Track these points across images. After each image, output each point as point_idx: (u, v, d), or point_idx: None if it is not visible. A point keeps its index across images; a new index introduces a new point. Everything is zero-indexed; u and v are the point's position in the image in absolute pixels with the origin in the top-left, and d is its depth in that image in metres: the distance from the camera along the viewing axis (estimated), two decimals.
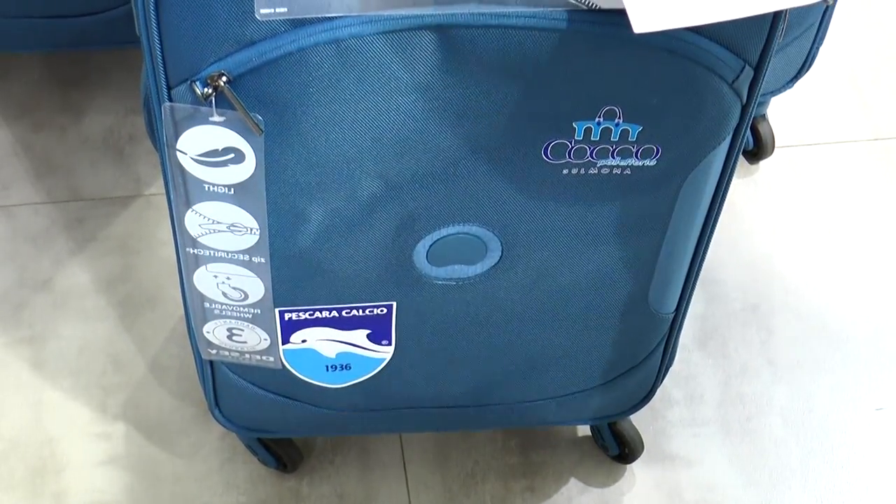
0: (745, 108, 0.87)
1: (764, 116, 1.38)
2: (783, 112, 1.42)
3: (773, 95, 1.33)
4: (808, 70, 1.30)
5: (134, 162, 1.37)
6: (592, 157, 0.87)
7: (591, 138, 0.86)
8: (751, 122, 0.90)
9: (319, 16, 0.76)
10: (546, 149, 0.86)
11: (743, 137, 0.90)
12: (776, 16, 0.79)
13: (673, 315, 1.05)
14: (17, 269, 1.30)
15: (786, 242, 1.35)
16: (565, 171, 0.88)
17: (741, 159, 1.38)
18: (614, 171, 0.89)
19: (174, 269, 1.09)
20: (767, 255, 1.34)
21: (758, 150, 1.39)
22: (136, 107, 1.40)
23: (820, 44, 1.28)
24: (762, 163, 1.40)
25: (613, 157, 0.87)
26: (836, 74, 1.48)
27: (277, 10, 0.75)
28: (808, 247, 1.35)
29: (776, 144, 1.39)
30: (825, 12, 1.22)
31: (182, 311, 1.03)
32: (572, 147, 0.86)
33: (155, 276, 1.30)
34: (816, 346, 1.29)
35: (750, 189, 1.38)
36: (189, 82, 0.80)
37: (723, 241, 1.32)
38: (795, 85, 1.32)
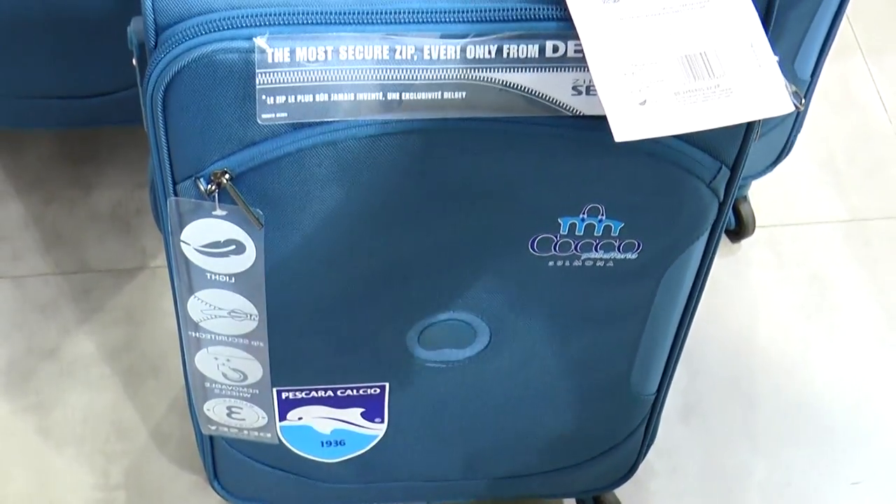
0: (721, 206, 0.89)
1: (745, 198, 1.39)
2: (764, 193, 1.44)
3: (754, 179, 1.35)
4: (787, 155, 1.32)
5: (140, 235, 1.38)
6: (577, 251, 0.89)
7: (576, 233, 0.88)
8: (732, 204, 0.92)
9: (317, 120, 0.78)
10: (533, 242, 0.88)
11: (720, 232, 0.91)
12: (750, 123, 0.81)
13: (654, 396, 1.06)
14: (25, 337, 1.30)
15: (766, 318, 1.37)
16: (551, 263, 0.90)
17: (724, 238, 1.39)
18: (597, 264, 0.90)
19: (177, 339, 1.10)
20: (748, 330, 1.35)
21: (739, 229, 1.40)
22: (143, 181, 1.41)
23: (798, 131, 1.30)
24: (744, 241, 1.41)
25: (597, 251, 0.89)
26: (813, 157, 1.49)
27: (278, 115, 0.77)
28: (787, 323, 1.36)
29: (757, 224, 1.40)
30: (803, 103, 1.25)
31: (183, 381, 1.04)
32: (557, 241, 0.88)
33: (158, 345, 1.31)
34: (795, 419, 1.30)
35: (732, 266, 1.39)
36: (194, 178, 0.82)
37: (706, 316, 1.31)
38: (775, 168, 1.34)
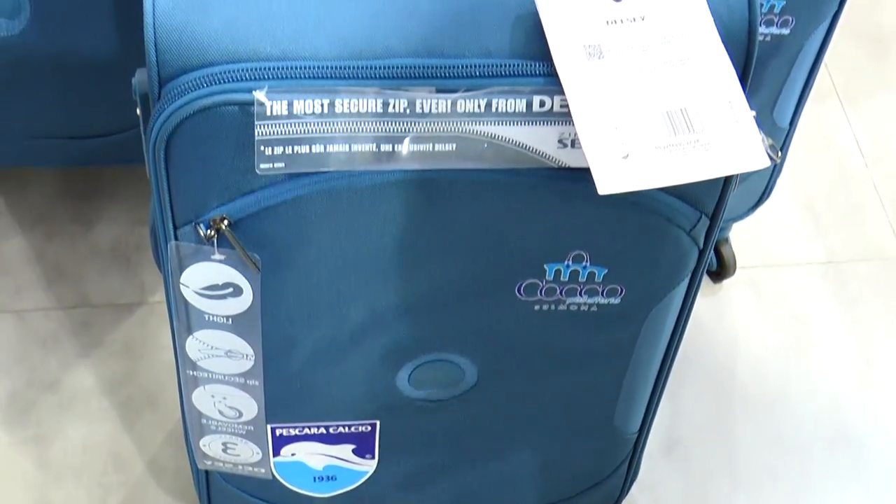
0: (701, 253, 0.90)
1: (726, 240, 1.39)
2: (744, 235, 1.44)
3: (735, 222, 1.36)
4: (767, 199, 1.33)
5: (140, 270, 1.38)
6: (562, 296, 0.90)
7: (561, 279, 0.89)
8: (714, 246, 0.93)
9: (314, 170, 0.79)
10: (519, 287, 0.89)
11: (700, 277, 0.93)
12: (728, 176, 0.82)
13: (637, 434, 1.07)
14: (26, 370, 1.30)
15: (747, 356, 1.37)
16: (537, 307, 0.91)
17: (706, 278, 1.39)
18: (582, 308, 0.91)
19: (174, 372, 1.11)
20: (729, 368, 1.36)
21: (721, 270, 1.40)
22: (142, 218, 1.41)
23: (778, 176, 1.31)
24: (725, 282, 1.41)
25: (581, 296, 0.90)
26: (793, 200, 1.49)
27: (276, 165, 0.78)
28: (767, 361, 1.37)
29: (738, 265, 1.40)
30: (782, 147, 1.26)
31: (180, 414, 1.05)
32: (543, 286, 0.89)
33: (156, 378, 1.31)
34: (774, 456, 1.30)
35: (713, 306, 1.39)
36: (194, 224, 0.82)
37: (688, 354, 1.33)
38: (756, 211, 1.35)
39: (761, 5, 1.07)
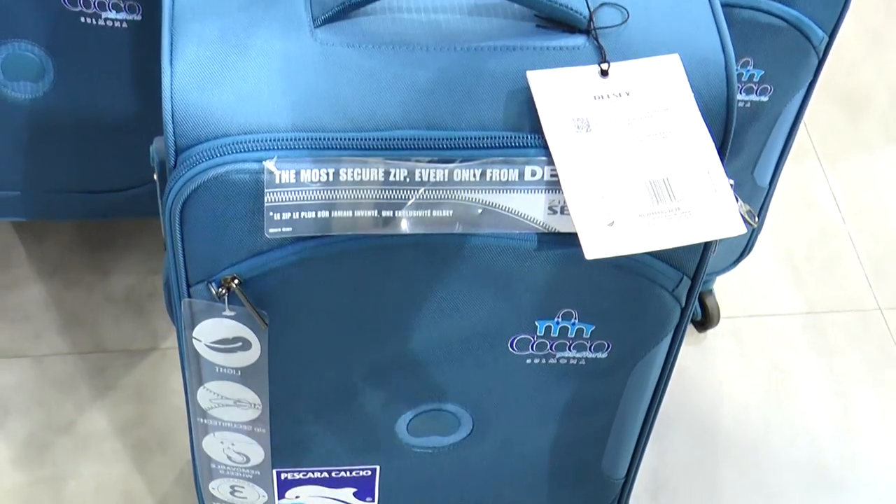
0: (684, 311, 0.91)
1: (711, 291, 1.40)
2: (728, 287, 1.44)
3: (719, 275, 1.37)
4: (749, 253, 1.34)
5: (152, 318, 1.38)
6: (552, 350, 0.91)
7: (551, 335, 0.90)
8: (698, 298, 0.95)
9: (319, 234, 0.80)
10: (512, 342, 0.90)
11: (683, 332, 0.94)
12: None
13: (624, 480, 1.09)
14: (43, 413, 1.30)
15: (730, 403, 1.37)
16: (528, 361, 0.92)
17: (690, 328, 1.40)
18: (571, 362, 0.93)
19: (184, 416, 1.11)
20: (713, 413, 1.36)
21: (705, 320, 1.41)
22: (155, 268, 1.42)
23: (759, 231, 1.32)
24: (709, 331, 1.41)
25: (570, 350, 0.92)
26: (773, 254, 1.50)
27: (283, 229, 0.79)
28: (749, 407, 1.37)
29: (721, 315, 1.41)
30: (763, 205, 1.28)
31: (189, 455, 1.06)
32: (535, 341, 0.91)
33: (166, 421, 1.31)
34: (756, 499, 1.30)
35: (698, 355, 1.40)
36: (206, 283, 0.84)
37: (674, 401, 1.33)
38: (738, 264, 1.36)
39: (741, 74, 1.09)
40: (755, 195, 1.24)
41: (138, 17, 1.12)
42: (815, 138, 1.62)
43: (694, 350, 1.40)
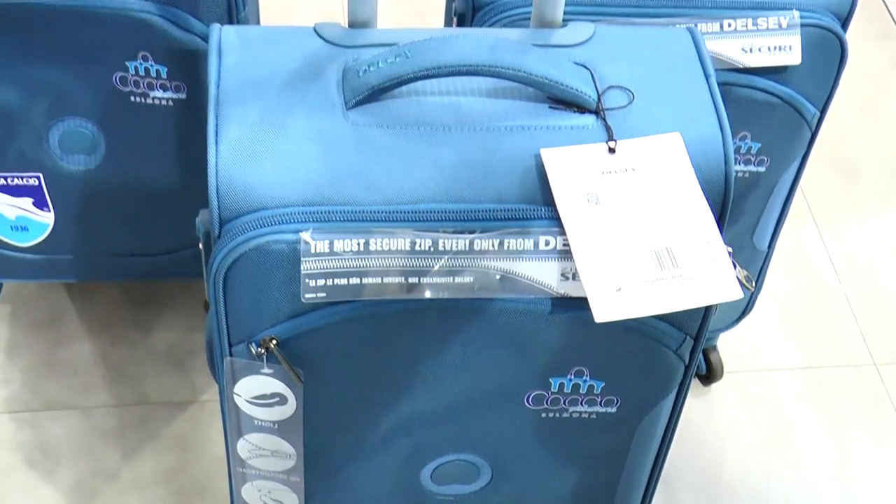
0: (687, 368, 0.91)
1: (715, 347, 1.40)
2: (731, 343, 1.44)
3: (722, 332, 1.36)
4: (750, 312, 1.34)
5: (192, 372, 1.39)
6: (565, 405, 0.92)
7: (564, 391, 0.90)
8: (703, 353, 0.94)
9: (351, 299, 0.81)
10: (528, 398, 0.91)
11: (687, 389, 0.94)
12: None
13: None
14: (91, 461, 1.31)
15: (733, 453, 1.36)
16: (543, 415, 0.93)
17: (696, 382, 1.40)
18: (582, 416, 0.93)
19: (221, 464, 1.11)
20: (717, 463, 1.35)
21: (709, 374, 1.40)
22: (195, 325, 1.42)
23: (759, 292, 1.32)
24: (713, 385, 1.41)
25: (582, 405, 0.92)
26: (774, 312, 1.50)
27: (318, 294, 0.80)
28: (751, 457, 1.36)
29: (725, 370, 1.40)
30: (762, 267, 1.28)
31: (227, 502, 1.06)
32: (549, 397, 0.91)
33: (205, 469, 1.31)
34: None
35: (703, 408, 1.39)
36: (246, 343, 0.85)
37: (680, 451, 1.33)
38: (740, 322, 1.36)
39: (739, 147, 1.10)
40: (755, 258, 1.24)
41: (183, 96, 1.13)
42: (811, 203, 1.62)
43: (699, 402, 1.40)
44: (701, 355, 1.17)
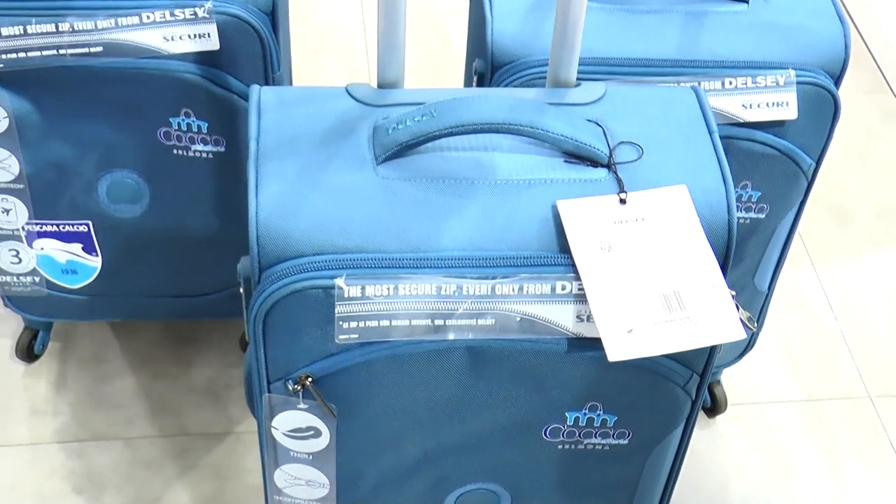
0: (694, 403, 0.92)
1: (719, 381, 1.40)
2: (734, 378, 1.44)
3: (726, 368, 1.36)
4: (752, 349, 1.33)
5: (228, 405, 1.39)
6: (580, 437, 0.92)
7: (580, 424, 0.91)
8: (708, 387, 0.93)
9: (381, 340, 0.82)
10: (545, 430, 0.91)
11: (694, 422, 0.94)
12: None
13: None
14: (134, 489, 1.31)
15: (736, 481, 1.36)
16: (560, 447, 0.93)
17: (701, 414, 1.40)
18: (596, 447, 0.93)
19: (256, 492, 1.12)
20: (722, 491, 1.35)
21: (714, 407, 1.40)
22: (231, 362, 1.42)
23: (760, 329, 1.32)
24: (718, 417, 1.41)
25: (596, 437, 0.92)
26: (774, 348, 1.50)
27: (351, 336, 0.81)
28: (754, 485, 1.36)
29: (729, 403, 1.41)
30: (763, 306, 1.27)
31: None
32: (565, 430, 0.91)
33: (241, 497, 1.31)
34: None
35: (708, 438, 1.39)
36: (284, 380, 0.85)
37: (687, 479, 1.32)
38: (742, 358, 1.35)
39: (741, 195, 1.10)
40: (756, 298, 1.24)
41: (222, 149, 1.15)
42: (808, 246, 1.62)
43: (705, 434, 1.40)
44: (707, 389, 1.17)
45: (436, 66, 1.84)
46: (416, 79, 1.78)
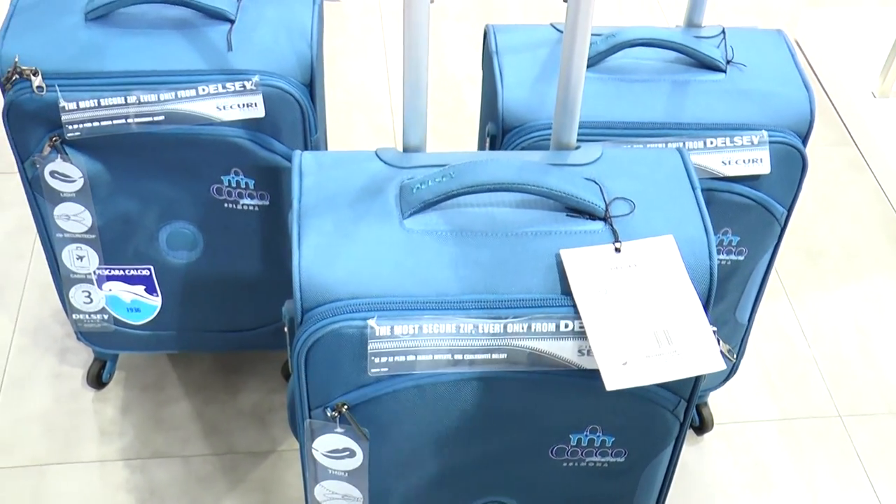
0: (682, 425, 0.92)
1: (706, 403, 1.40)
2: (719, 399, 1.44)
3: (711, 391, 1.36)
4: (734, 374, 1.33)
5: (271, 427, 1.38)
6: (582, 456, 0.92)
7: (581, 444, 0.91)
8: (696, 408, 0.92)
9: (408, 372, 0.83)
10: (551, 450, 0.92)
11: (682, 441, 0.94)
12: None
13: None
14: (189, 501, 1.30)
15: (722, 493, 1.35)
16: (564, 464, 0.93)
17: (690, 432, 1.39)
18: (597, 464, 0.94)
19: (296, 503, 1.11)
20: (710, 502, 1.34)
21: (702, 426, 1.40)
22: (274, 388, 1.42)
23: (741, 358, 1.31)
24: (706, 435, 1.40)
25: (596, 456, 0.92)
26: (754, 373, 1.49)
27: (381, 369, 0.82)
28: (737, 496, 1.35)
29: (715, 422, 1.40)
30: (743, 337, 1.27)
31: None
32: (569, 449, 0.92)
33: None
34: None
35: (697, 454, 1.39)
36: (323, 408, 0.86)
37: (677, 492, 1.33)
38: (727, 383, 1.35)
39: (721, 240, 1.11)
40: (737, 331, 1.24)
41: (266, 203, 1.16)
42: (784, 282, 1.62)
43: (693, 450, 1.39)
44: (694, 410, 1.16)
45: (452, 124, 1.86)
46: (435, 135, 1.79)
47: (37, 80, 1.05)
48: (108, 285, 1.23)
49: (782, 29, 1.16)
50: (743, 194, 1.07)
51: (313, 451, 0.91)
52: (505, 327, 0.82)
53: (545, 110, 1.02)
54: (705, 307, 0.85)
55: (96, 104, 1.06)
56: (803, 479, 1.38)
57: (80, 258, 1.20)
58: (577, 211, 0.87)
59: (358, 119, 1.86)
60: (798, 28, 2.02)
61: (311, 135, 1.13)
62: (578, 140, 0.96)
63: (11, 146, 1.11)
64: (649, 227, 0.86)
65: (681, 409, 0.91)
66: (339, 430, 0.88)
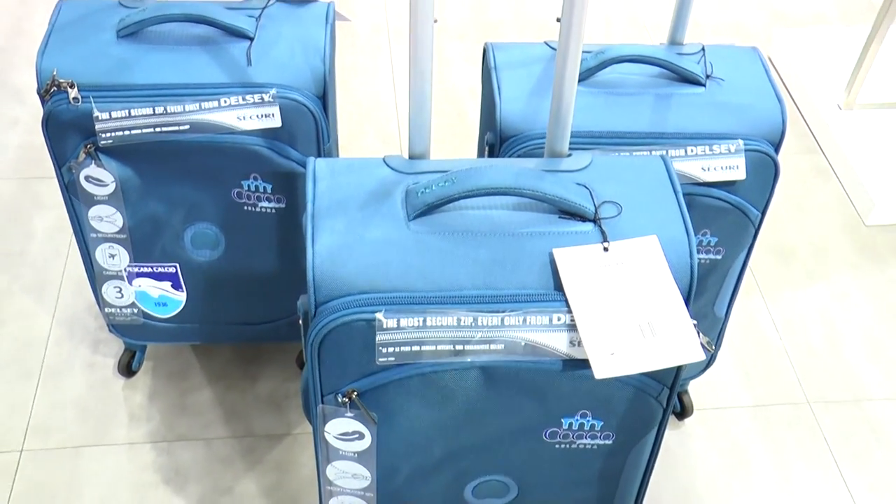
0: (665, 411, 0.92)
1: (686, 391, 1.39)
2: (699, 387, 1.43)
3: (691, 380, 1.36)
4: (713, 364, 1.33)
5: (287, 412, 1.38)
6: (573, 438, 0.92)
7: (573, 428, 0.91)
8: (678, 395, 0.92)
9: (413, 362, 0.83)
10: (545, 433, 0.91)
11: (665, 425, 0.94)
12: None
13: None
14: (211, 480, 1.31)
15: (702, 473, 1.35)
16: (557, 446, 0.93)
17: (672, 418, 1.38)
18: (586, 446, 0.93)
19: (310, 482, 1.10)
20: (690, 482, 1.34)
21: (683, 412, 1.39)
22: (289, 377, 1.41)
23: (719, 348, 1.31)
24: (686, 420, 1.40)
25: (586, 439, 0.92)
26: (730, 363, 1.49)
27: (388, 359, 0.82)
28: (715, 476, 1.34)
29: (695, 408, 1.40)
30: (721, 330, 1.26)
31: None
32: (561, 432, 0.91)
33: (298, 487, 1.30)
34: None
35: (679, 437, 1.38)
36: (334, 394, 0.86)
37: (661, 472, 1.33)
38: (705, 372, 1.35)
39: (701, 241, 1.10)
40: (715, 324, 1.24)
41: (283, 206, 1.16)
42: (758, 279, 1.61)
43: (675, 434, 1.39)
44: (676, 397, 1.15)
45: (454, 133, 1.86)
46: (438, 144, 1.78)
47: (73, 92, 1.05)
48: (137, 281, 1.23)
49: (757, 47, 1.16)
50: (721, 198, 1.07)
51: (325, 434, 0.90)
52: (502, 320, 0.81)
53: (540, 121, 1.02)
54: (686, 302, 0.84)
55: (127, 114, 1.06)
56: (775, 460, 1.38)
57: (112, 256, 1.20)
58: (569, 213, 0.87)
59: (367, 129, 1.86)
60: (771, 46, 2.02)
61: (324, 143, 1.13)
62: (570, 148, 0.96)
63: (50, 153, 1.11)
64: (635, 229, 0.86)
65: (664, 395, 0.90)
66: (349, 414, 0.88)
